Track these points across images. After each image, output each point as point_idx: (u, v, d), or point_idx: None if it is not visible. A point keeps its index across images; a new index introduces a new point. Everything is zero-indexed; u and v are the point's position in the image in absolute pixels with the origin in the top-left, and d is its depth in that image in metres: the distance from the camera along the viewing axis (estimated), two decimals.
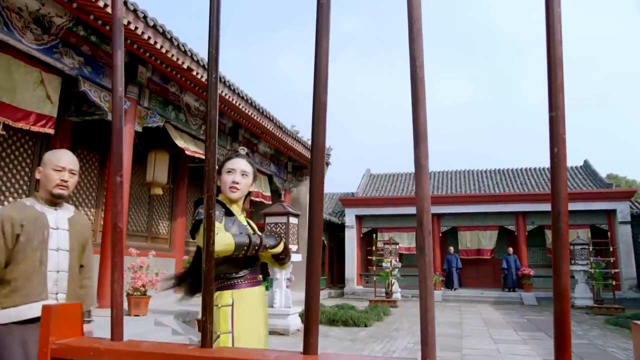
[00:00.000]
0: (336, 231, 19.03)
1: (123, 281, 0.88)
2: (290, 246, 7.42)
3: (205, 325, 0.78)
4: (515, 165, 21.00)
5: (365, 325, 8.37)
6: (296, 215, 7.71)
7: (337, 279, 19.38)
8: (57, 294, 1.98)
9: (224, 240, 1.91)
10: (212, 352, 0.74)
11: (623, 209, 15.81)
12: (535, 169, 20.27)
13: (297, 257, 7.69)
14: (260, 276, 2.14)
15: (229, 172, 2.13)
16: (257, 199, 11.28)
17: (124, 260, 1.08)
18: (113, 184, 0.86)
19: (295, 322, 7.31)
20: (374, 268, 13.79)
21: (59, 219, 2.04)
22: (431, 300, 0.66)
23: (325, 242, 17.42)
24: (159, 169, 8.30)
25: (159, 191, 8.56)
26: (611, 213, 16.11)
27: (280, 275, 7.35)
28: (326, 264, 18.39)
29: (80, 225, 2.16)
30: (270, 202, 11.58)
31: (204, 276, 0.80)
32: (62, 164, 2.02)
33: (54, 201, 2.05)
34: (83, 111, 6.53)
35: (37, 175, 2.06)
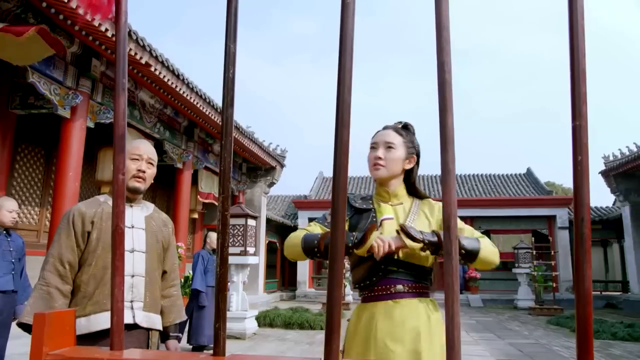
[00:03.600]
0: (289, 233, 18.92)
1: (124, 286, 0.83)
2: (248, 249, 7.31)
3: (219, 332, 0.74)
4: (463, 172, 21.75)
5: (321, 328, 8.36)
6: (254, 217, 7.61)
7: (289, 282, 19.31)
8: (132, 301, 1.74)
9: (291, 240, 1.58)
10: None
11: (562, 215, 16.76)
12: (482, 175, 21.09)
13: (253, 260, 7.59)
14: (401, 286, 1.54)
15: (372, 148, 1.64)
16: (207, 201, 11.05)
17: None
18: (115, 183, 0.82)
19: (252, 326, 7.19)
20: (326, 271, 13.82)
21: (135, 216, 1.83)
22: (457, 306, 0.66)
23: (277, 244, 17.30)
24: (110, 167, 7.96)
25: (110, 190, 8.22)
26: (551, 219, 17.03)
27: (237, 277, 7.22)
28: (278, 267, 18.27)
29: (159, 225, 1.92)
30: None
31: (216, 281, 0.77)
32: (139, 152, 1.80)
33: (130, 197, 1.82)
34: (29, 104, 6.15)
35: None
